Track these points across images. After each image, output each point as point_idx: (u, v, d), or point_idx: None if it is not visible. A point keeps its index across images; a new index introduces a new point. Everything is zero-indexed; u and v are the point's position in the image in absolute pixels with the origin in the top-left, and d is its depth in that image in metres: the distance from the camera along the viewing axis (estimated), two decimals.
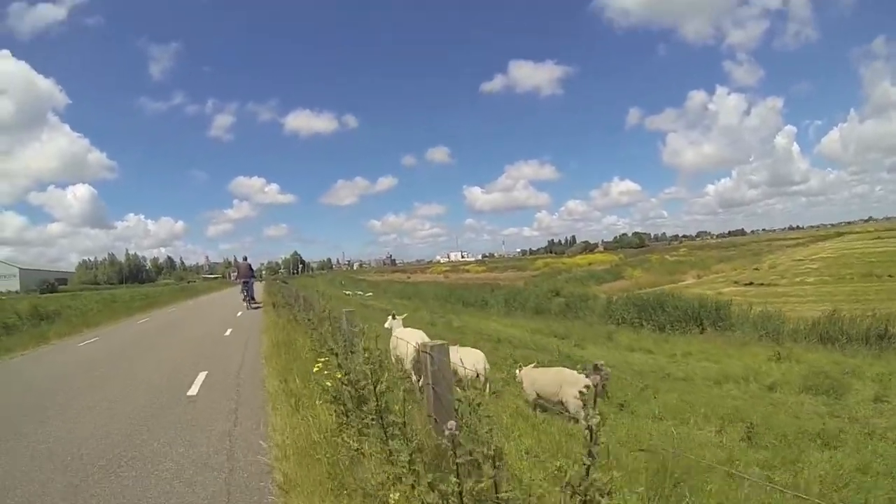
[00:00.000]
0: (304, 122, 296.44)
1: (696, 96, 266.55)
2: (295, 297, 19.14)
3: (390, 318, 8.94)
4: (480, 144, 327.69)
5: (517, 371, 7.50)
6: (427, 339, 6.70)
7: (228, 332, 15.74)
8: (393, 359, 7.13)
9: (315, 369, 4.96)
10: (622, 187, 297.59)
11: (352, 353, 4.85)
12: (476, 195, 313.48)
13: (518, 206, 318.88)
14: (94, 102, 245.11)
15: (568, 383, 6.41)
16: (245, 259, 27.23)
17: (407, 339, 6.70)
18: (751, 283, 35.88)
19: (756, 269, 48.51)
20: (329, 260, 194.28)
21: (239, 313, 22.05)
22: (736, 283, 38.31)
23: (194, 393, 7.51)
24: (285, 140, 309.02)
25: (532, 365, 7.49)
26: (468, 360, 6.86)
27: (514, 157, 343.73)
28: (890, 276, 30.07)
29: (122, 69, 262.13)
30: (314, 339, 8.11)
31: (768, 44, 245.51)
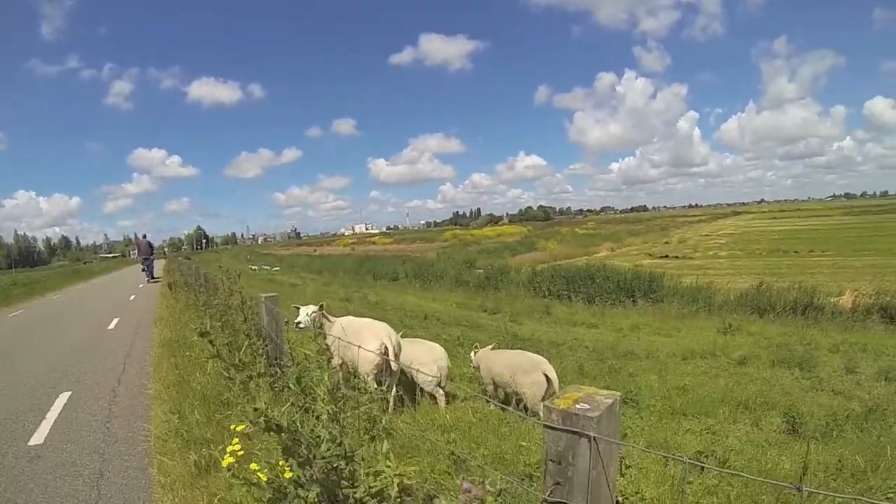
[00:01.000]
0: (208, 90, 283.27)
1: (606, 78, 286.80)
2: (195, 276, 17.00)
3: (306, 308, 5.92)
4: (387, 117, 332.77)
5: (472, 354, 6.33)
6: (394, 335, 5.12)
7: (114, 323, 13.12)
8: (336, 364, 4.79)
9: (225, 461, 2.03)
10: (528, 162, 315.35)
11: (300, 389, 2.70)
12: (381, 167, 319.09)
13: (423, 178, 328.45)
14: None
15: (521, 370, 5.31)
16: (144, 237, 28.56)
17: (362, 341, 4.64)
18: (666, 256, 37.44)
19: (666, 242, 51.29)
20: (233, 234, 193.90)
21: (132, 297, 20.00)
22: (650, 255, 39.99)
23: (40, 441, 4.94)
24: (188, 109, 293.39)
25: (490, 346, 6.38)
26: (427, 357, 5.43)
27: (420, 129, 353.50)
28: (796, 251, 32.61)
29: (9, 27, 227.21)
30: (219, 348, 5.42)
31: (678, 34, 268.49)
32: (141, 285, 24.73)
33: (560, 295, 21.26)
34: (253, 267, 41.71)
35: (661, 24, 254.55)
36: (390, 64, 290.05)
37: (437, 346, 5.86)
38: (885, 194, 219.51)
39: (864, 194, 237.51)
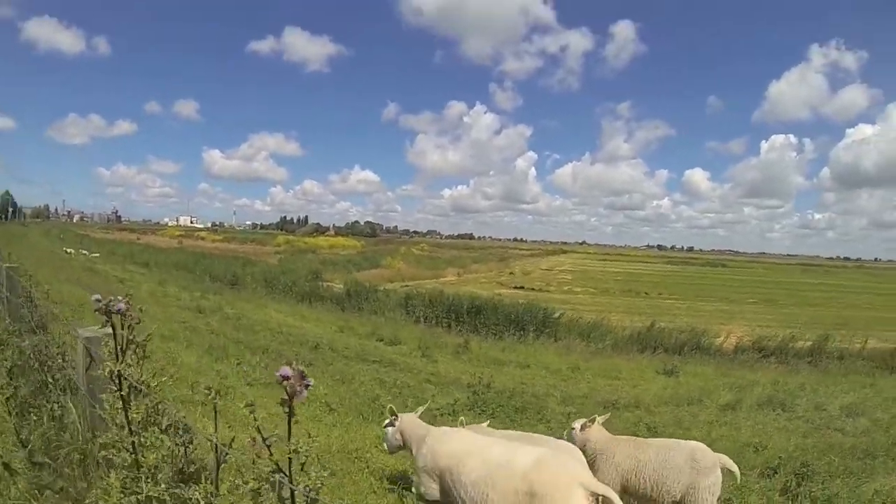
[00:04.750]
0: (48, 32, 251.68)
1: (456, 107, 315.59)
2: None
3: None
4: (232, 106, 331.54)
5: (571, 430, 5.10)
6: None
7: None
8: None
9: None
10: (362, 176, 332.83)
11: None
12: (215, 159, 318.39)
13: (255, 177, 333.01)
14: None
15: (698, 469, 4.50)
16: None
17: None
18: (521, 287, 39.94)
19: (511, 273, 54.95)
20: (46, 207, 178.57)
21: None
22: (502, 284, 42.37)
23: None
24: (19, 49, 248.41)
25: (600, 419, 5.14)
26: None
27: (263, 126, 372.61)
28: (646, 293, 37.38)
29: None
30: None
31: (535, 80, 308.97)
32: None
33: (440, 323, 21.56)
34: (68, 250, 38.25)
35: (522, 68, 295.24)
36: (248, 50, 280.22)
37: (570, 446, 4.76)
38: (690, 249, 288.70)
39: (673, 247, 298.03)
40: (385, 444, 4.97)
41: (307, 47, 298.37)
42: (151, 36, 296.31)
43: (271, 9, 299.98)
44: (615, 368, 14.45)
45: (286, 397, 1.73)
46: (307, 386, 1.73)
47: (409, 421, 4.70)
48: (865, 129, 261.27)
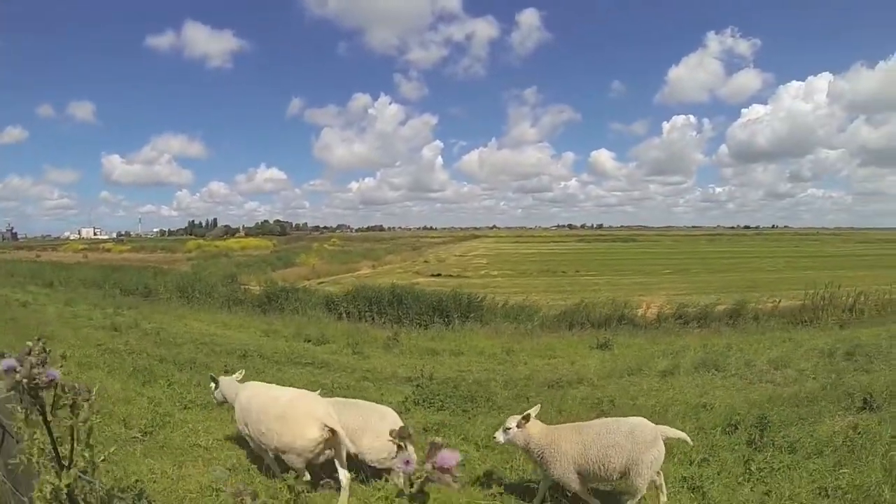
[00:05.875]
0: None
1: (361, 99, 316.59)
2: None
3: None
4: (131, 107, 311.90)
5: (507, 430, 5.22)
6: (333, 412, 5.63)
7: None
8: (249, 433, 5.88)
9: None
10: (268, 174, 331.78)
11: None
12: (115, 164, 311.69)
13: (160, 181, 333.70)
14: None
15: (641, 443, 4.85)
16: None
17: (299, 429, 5.35)
18: (439, 275, 40.34)
19: (426, 262, 55.40)
20: None
21: None
22: (419, 273, 42.59)
23: None
24: None
25: (533, 412, 5.25)
26: (381, 425, 5.62)
27: (165, 127, 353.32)
28: (563, 272, 38.63)
29: None
30: None
31: (440, 69, 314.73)
32: None
33: (364, 318, 21.64)
34: None
35: (427, 57, 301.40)
36: (146, 45, 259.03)
37: (388, 409, 6.09)
38: (600, 226, 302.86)
39: (583, 226, 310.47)
40: (214, 400, 6.83)
41: (209, 42, 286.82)
42: (39, 30, 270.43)
43: (169, 1, 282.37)
44: (549, 347, 14.86)
45: (412, 486, 1.13)
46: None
47: (227, 383, 6.51)
48: (759, 109, 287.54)
